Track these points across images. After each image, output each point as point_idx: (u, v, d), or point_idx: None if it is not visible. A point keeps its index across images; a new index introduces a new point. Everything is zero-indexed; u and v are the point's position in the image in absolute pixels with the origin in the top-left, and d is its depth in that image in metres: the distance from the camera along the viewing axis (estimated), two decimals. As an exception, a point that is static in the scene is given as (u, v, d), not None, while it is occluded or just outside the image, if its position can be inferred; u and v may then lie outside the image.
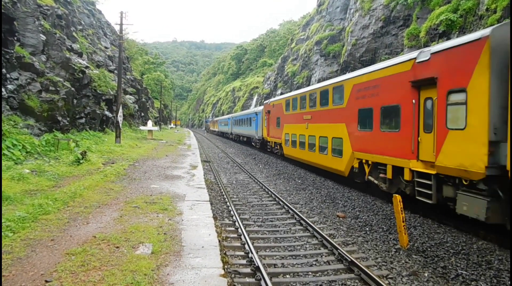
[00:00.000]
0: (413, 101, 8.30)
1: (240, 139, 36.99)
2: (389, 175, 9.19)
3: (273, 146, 22.67)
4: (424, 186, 7.85)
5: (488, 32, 6.30)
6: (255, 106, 52.68)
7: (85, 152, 13.53)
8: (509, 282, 5.24)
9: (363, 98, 10.66)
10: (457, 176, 6.93)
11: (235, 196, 11.07)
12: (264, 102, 26.25)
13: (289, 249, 6.54)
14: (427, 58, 7.86)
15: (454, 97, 7.09)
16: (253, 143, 30.33)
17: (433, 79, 7.61)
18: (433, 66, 7.66)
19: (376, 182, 9.99)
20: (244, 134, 34.01)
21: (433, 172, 7.51)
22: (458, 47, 7.05)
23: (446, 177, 7.28)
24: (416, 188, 8.13)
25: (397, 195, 6.79)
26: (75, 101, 19.97)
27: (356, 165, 11.05)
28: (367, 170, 10.44)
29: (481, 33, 6.52)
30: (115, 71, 31.25)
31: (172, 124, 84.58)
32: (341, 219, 8.70)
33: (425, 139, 7.96)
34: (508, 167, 5.78)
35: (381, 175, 9.68)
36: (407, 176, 8.35)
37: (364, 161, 10.55)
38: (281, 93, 42.10)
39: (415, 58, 8.25)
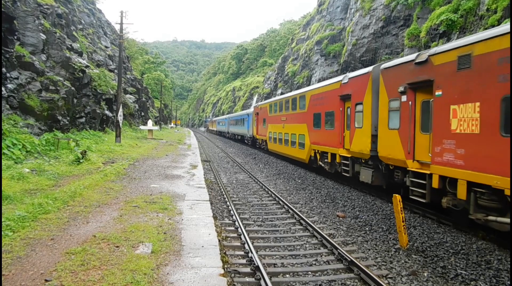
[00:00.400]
0: (341, 109, 12.23)
1: (236, 137, 40.39)
2: (329, 159, 13.29)
3: (260, 142, 26.99)
4: (345, 165, 11.97)
5: (371, 69, 10.28)
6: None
7: (85, 152, 13.53)
8: (509, 282, 5.24)
9: (316, 106, 14.60)
10: (360, 157, 10.86)
11: (235, 196, 11.08)
12: (254, 105, 33.85)
13: (289, 248, 6.55)
14: (347, 81, 11.74)
15: (358, 107, 10.83)
16: (245, 141, 34.21)
17: (349, 95, 11.47)
18: (349, 87, 11.53)
19: (323, 165, 14.04)
20: (238, 133, 37.90)
21: (349, 155, 11.52)
22: (359, 76, 11.02)
23: (356, 158, 11.23)
24: (342, 167, 12.26)
25: (397, 195, 6.80)
26: (75, 100, 19.97)
27: (312, 154, 15.13)
28: (318, 157, 14.50)
29: (367, 69, 10.51)
30: (115, 71, 31.25)
31: (172, 123, 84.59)
32: (341, 218, 8.70)
33: (346, 135, 11.87)
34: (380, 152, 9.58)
35: (325, 160, 13.74)
36: (338, 159, 12.46)
37: (316, 150, 14.59)
38: (281, 93, 42.20)
39: (341, 80, 12.15)
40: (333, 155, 12.82)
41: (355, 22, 27.34)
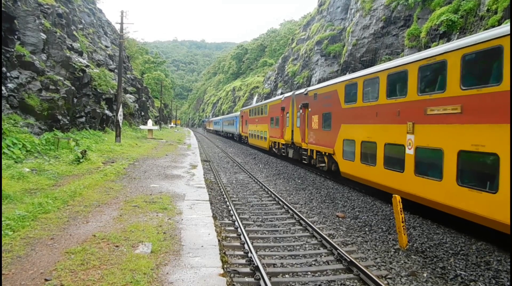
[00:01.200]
0: (282, 115, 20.24)
1: (227, 135, 48.72)
2: (278, 146, 21.47)
3: (244, 138, 35.91)
4: (284, 150, 19.92)
5: (291, 94, 18.92)
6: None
7: (85, 151, 13.53)
8: (508, 283, 5.25)
9: (272, 112, 22.53)
10: (288, 143, 18.96)
11: (234, 196, 11.08)
12: (240, 109, 42.57)
13: (289, 249, 6.55)
14: (283, 99, 20.04)
15: (287, 115, 19.00)
16: (234, 137, 42.43)
17: (284, 107, 19.81)
18: (284, 103, 19.89)
19: (275, 151, 21.87)
20: (229, 131, 46.40)
21: (285, 142, 19.29)
22: (288, 97, 19.05)
23: (291, 144, 18.43)
24: (282, 151, 20.42)
25: (397, 195, 6.81)
26: (75, 100, 19.97)
27: (270, 144, 23.18)
28: (272, 145, 22.70)
29: (291, 93, 19.06)
30: (116, 70, 31.25)
31: (172, 123, 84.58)
32: (340, 219, 8.71)
33: (286, 130, 19.21)
34: (295, 139, 17.75)
35: (276, 147, 21.87)
36: (280, 146, 20.79)
37: (272, 142, 22.61)
38: (281, 93, 42.18)
39: (281, 99, 20.59)
40: (278, 144, 21.43)
41: (355, 23, 27.35)
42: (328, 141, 13.24)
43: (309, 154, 15.76)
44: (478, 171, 6.67)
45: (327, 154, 13.54)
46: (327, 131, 13.39)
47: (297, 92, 17.78)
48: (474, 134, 6.47)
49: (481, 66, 6.66)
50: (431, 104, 7.64)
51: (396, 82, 9.13)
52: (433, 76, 7.87)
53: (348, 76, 12.42)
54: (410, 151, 8.31)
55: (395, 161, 8.97)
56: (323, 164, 14.13)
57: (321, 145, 13.93)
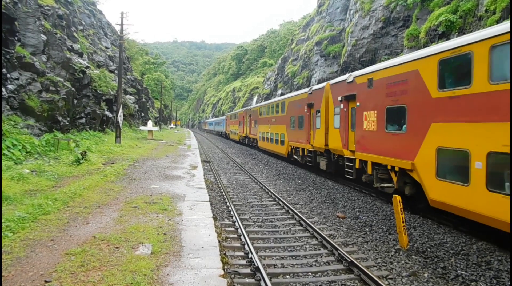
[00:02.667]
0: (308, 113, 16.21)
1: (218, 133, 60.64)
2: (300, 153, 17.36)
3: (227, 134, 46.20)
4: (310, 157, 16.03)
5: (325, 84, 14.40)
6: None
7: (85, 152, 13.53)
8: (509, 283, 5.24)
9: (292, 110, 18.61)
10: (318, 150, 14.81)
11: (235, 197, 11.07)
12: (227, 113, 51.30)
13: (289, 249, 6.54)
14: (310, 92, 15.96)
15: (318, 113, 14.73)
16: (222, 135, 54.21)
17: (312, 104, 15.65)
18: (312, 98, 15.73)
19: (296, 158, 18.10)
20: (219, 130, 58.97)
21: (314, 149, 15.31)
22: (318, 89, 15.09)
23: (324, 151, 14.23)
24: (308, 160, 16.41)
25: (397, 195, 6.80)
26: (75, 101, 19.98)
27: (290, 150, 19.25)
28: (293, 152, 18.66)
29: (324, 84, 14.56)
30: (116, 71, 31.26)
31: (172, 124, 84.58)
32: (341, 219, 8.70)
33: (315, 133, 15.07)
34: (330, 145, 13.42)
35: (298, 153, 17.72)
36: (306, 153, 16.49)
37: (293, 147, 18.54)
38: (281, 94, 42.31)
39: (307, 92, 16.46)
40: (303, 150, 17.00)
41: (354, 23, 27.37)
42: (399, 149, 8.74)
43: (357, 166, 11.00)
44: None
45: (396, 169, 8.89)
46: (397, 134, 8.87)
47: (335, 81, 13.30)
48: None
49: None
50: None
51: None
52: None
53: (445, 44, 7.45)
54: None
55: None
56: (389, 184, 9.45)
57: (385, 155, 9.33)
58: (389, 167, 9.21)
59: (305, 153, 16.40)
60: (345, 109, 12.04)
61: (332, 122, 13.14)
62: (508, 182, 5.64)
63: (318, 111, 14.56)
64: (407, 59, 8.61)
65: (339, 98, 12.31)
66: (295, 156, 18.14)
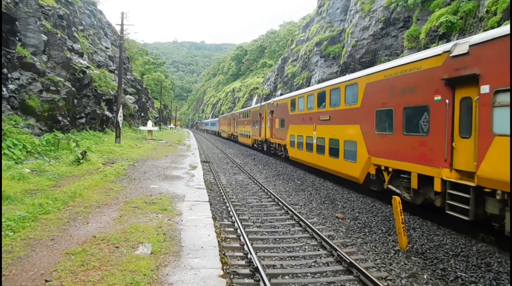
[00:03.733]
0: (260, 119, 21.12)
1: (213, 132, 67.93)
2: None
3: (219, 133, 52.85)
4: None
5: (265, 103, 22.22)
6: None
7: (85, 152, 13.54)
8: (509, 285, 5.25)
9: (255, 116, 22.17)
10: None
11: (234, 197, 11.08)
12: (220, 116, 56.96)
13: (288, 250, 6.55)
14: (260, 107, 23.58)
15: (262, 119, 21.07)
16: (215, 134, 63.17)
17: (261, 113, 21.65)
18: (260, 110, 22.80)
19: (256, 146, 21.11)
20: (213, 130, 67.95)
21: (260, 139, 20.95)
22: (262, 106, 22.47)
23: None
24: (259, 145, 22.72)
25: (396, 196, 6.81)
26: (75, 101, 20.00)
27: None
28: (254, 142, 21.72)
29: (264, 103, 21.60)
30: (116, 71, 31.28)
31: (172, 124, 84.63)
32: (340, 220, 8.71)
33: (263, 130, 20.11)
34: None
35: (257, 143, 21.02)
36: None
37: (254, 139, 22.92)
38: (281, 94, 42.32)
39: (259, 106, 23.60)
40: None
41: (354, 24, 27.40)
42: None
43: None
44: None
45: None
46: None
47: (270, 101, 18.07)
48: None
49: None
50: None
51: None
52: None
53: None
54: None
55: None
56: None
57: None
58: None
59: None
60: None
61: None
62: None
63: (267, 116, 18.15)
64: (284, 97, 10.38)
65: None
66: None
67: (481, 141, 6.39)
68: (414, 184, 8.22)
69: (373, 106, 10.03)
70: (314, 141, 14.54)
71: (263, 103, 27.02)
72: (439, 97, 7.44)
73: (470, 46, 6.72)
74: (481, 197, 6.46)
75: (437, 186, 7.37)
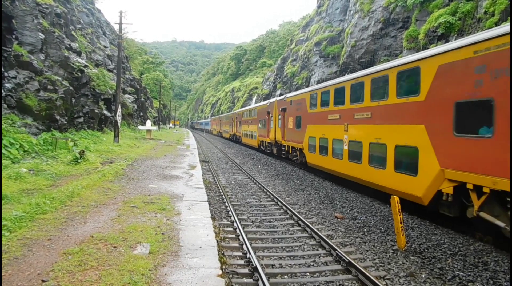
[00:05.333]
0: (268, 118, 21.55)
1: (206, 131, 78.79)
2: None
3: (210, 131, 65.09)
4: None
5: (274, 100, 20.91)
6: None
7: (83, 152, 13.49)
8: (506, 284, 5.26)
9: (260, 115, 24.72)
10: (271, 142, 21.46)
11: (233, 197, 11.06)
12: (211, 118, 72.57)
13: (287, 249, 6.54)
14: (268, 104, 22.41)
15: (271, 118, 20.92)
16: (207, 131, 74.63)
17: (269, 112, 21.63)
18: (269, 107, 22.12)
19: (263, 148, 23.10)
20: (206, 129, 78.57)
21: (268, 140, 22.53)
22: (270, 103, 21.57)
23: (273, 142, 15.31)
24: (267, 147, 23.57)
25: (395, 196, 6.81)
26: (73, 100, 19.92)
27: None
28: (260, 144, 24.62)
29: (273, 100, 21.07)
30: (114, 71, 31.19)
31: (171, 124, 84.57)
32: (339, 220, 8.71)
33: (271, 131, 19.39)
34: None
35: (264, 145, 22.13)
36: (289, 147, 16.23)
37: (261, 141, 24.53)
38: (281, 94, 42.30)
39: (267, 103, 22.95)
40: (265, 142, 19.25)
41: (354, 24, 27.42)
42: None
43: (288, 149, 18.00)
44: None
45: None
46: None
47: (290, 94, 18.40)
48: None
49: None
50: None
51: None
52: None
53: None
54: None
55: None
56: None
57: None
58: None
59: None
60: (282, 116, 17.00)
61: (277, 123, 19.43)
62: None
63: (271, 116, 20.16)
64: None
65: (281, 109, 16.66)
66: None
67: None
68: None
69: (451, 97, 7.24)
70: (345, 146, 11.66)
71: (272, 100, 23.01)
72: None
73: None
74: None
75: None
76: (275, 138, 21.31)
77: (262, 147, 25.90)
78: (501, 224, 6.20)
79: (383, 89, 9.72)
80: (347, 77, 12.41)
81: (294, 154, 17.97)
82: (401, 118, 8.91)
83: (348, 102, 11.72)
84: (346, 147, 11.65)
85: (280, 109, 20.16)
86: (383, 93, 9.73)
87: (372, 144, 10.06)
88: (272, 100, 22.96)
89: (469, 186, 6.68)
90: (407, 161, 8.59)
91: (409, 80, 8.75)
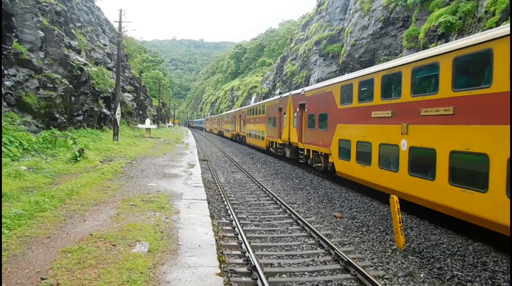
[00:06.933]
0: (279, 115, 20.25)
1: (200, 128, 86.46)
2: (276, 146, 20.74)
3: (208, 130, 67.59)
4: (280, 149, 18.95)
5: (288, 94, 18.85)
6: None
7: (83, 150, 13.48)
8: (505, 284, 5.27)
9: (270, 112, 23.17)
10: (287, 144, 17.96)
11: (232, 195, 11.07)
12: (205, 117, 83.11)
13: (286, 248, 6.55)
14: (280, 99, 20.21)
15: (284, 115, 18.95)
16: (202, 129, 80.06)
17: (281, 108, 19.75)
18: (281, 103, 19.94)
19: (272, 150, 22.18)
20: (201, 127, 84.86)
21: (280, 142, 20.05)
22: (283, 98, 19.69)
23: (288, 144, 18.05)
24: (278, 150, 20.99)
25: (394, 196, 6.81)
26: (73, 98, 19.90)
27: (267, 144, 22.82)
28: (269, 145, 22.61)
29: (287, 94, 19.24)
30: (114, 69, 31.13)
31: (170, 122, 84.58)
32: (338, 219, 8.71)
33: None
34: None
35: (275, 147, 21.56)
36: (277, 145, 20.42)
37: (270, 142, 22.74)
38: (280, 93, 42.26)
39: (279, 98, 20.96)
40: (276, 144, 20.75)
41: (354, 23, 27.39)
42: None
43: (306, 153, 16.88)
44: None
45: None
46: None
47: (294, 92, 18.70)
48: None
49: None
50: None
51: None
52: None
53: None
54: None
55: None
56: None
57: None
58: None
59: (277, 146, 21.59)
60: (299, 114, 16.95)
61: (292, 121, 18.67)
62: None
63: (284, 113, 19.68)
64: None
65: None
66: (271, 148, 18.13)
67: None
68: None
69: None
70: (403, 152, 8.54)
71: (285, 94, 19.70)
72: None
73: None
74: None
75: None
76: (289, 139, 18.27)
77: (271, 149, 22.57)
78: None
79: (482, 73, 6.64)
80: (402, 59, 9.21)
81: (316, 159, 14.59)
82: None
83: (408, 94, 8.48)
84: (404, 155, 8.57)
85: (297, 105, 16.95)
86: (480, 79, 6.68)
87: (454, 154, 7.01)
88: (285, 94, 19.83)
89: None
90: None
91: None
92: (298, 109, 16.84)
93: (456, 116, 7.02)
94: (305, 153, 15.87)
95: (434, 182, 7.45)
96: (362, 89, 10.76)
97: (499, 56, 6.09)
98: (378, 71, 9.94)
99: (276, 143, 21.22)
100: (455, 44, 7.27)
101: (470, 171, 6.83)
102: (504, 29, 6.16)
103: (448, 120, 7.19)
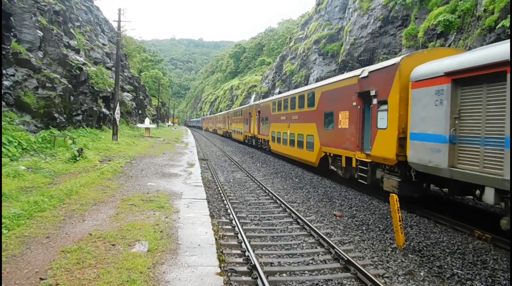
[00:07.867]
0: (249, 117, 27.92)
1: (198, 127, 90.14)
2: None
3: (205, 128, 71.82)
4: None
5: (253, 104, 26.61)
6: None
7: (82, 149, 13.46)
8: (505, 282, 5.27)
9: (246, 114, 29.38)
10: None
11: (232, 195, 11.06)
12: (201, 117, 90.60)
13: (286, 247, 6.54)
14: (250, 107, 28.72)
15: (251, 117, 27.53)
16: (199, 127, 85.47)
17: (250, 112, 27.53)
18: (250, 109, 27.57)
19: (247, 141, 27.33)
20: (199, 126, 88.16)
21: (250, 135, 28.31)
22: (251, 106, 27.97)
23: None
24: (249, 140, 29.72)
25: (394, 194, 6.81)
26: (72, 98, 19.86)
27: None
28: (245, 138, 27.99)
29: (252, 104, 27.21)
30: (113, 68, 31.07)
31: (169, 122, 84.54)
32: (338, 218, 8.71)
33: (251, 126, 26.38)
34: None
35: (248, 138, 27.72)
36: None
37: (245, 135, 28.63)
38: (279, 92, 42.32)
39: (249, 106, 28.96)
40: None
41: (353, 22, 27.37)
42: None
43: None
44: None
45: None
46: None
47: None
48: None
49: None
50: None
51: None
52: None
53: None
54: None
55: None
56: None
57: None
58: None
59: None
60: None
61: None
62: None
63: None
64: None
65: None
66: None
67: None
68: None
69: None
70: (289, 136, 15.07)
71: (251, 104, 25.66)
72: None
73: None
74: None
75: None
76: (254, 133, 27.45)
77: (246, 140, 31.37)
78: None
79: (312, 100, 15.99)
80: (295, 91, 18.62)
81: (264, 143, 24.60)
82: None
83: (288, 109, 18.39)
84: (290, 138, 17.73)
85: (257, 111, 26.16)
86: (311, 103, 17.16)
87: (305, 135, 17.12)
88: (251, 104, 30.42)
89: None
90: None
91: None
92: (257, 114, 26.07)
93: (300, 119, 15.95)
94: (261, 141, 25.39)
95: (300, 149, 16.00)
96: (279, 104, 19.78)
97: (317, 96, 13.98)
98: (282, 97, 19.64)
99: (248, 136, 29.83)
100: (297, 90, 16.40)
101: (309, 142, 14.74)
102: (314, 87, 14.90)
103: (298, 121, 16.19)
